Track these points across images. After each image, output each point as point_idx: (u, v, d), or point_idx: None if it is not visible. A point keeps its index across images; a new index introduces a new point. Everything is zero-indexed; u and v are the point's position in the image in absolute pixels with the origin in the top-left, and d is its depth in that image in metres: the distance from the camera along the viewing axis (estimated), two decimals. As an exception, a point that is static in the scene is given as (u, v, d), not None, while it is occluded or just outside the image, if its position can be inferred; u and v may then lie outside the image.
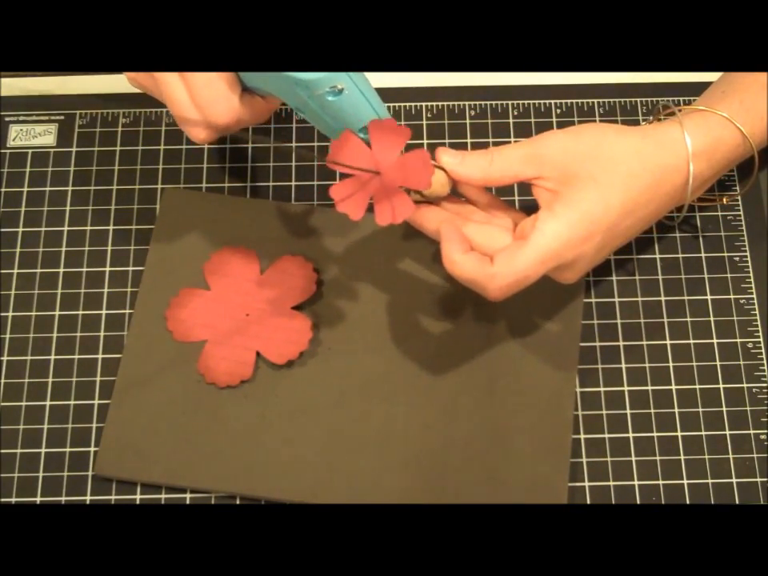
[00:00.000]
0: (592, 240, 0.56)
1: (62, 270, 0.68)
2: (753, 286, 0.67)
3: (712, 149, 0.59)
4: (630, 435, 0.64)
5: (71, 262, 0.68)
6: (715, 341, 0.66)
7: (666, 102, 0.64)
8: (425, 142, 0.72)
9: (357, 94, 0.54)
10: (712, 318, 0.67)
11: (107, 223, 0.69)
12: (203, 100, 0.56)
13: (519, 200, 0.70)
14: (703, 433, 0.64)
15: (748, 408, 0.64)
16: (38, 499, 0.62)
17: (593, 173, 0.55)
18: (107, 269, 0.68)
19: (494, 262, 0.55)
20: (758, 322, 0.66)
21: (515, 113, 0.73)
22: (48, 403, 0.64)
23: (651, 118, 0.66)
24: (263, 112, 0.60)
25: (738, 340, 0.66)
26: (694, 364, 0.65)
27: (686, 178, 0.58)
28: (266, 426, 0.63)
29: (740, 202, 0.70)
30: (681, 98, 0.72)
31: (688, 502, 0.62)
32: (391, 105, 0.73)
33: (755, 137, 0.60)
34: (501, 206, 0.59)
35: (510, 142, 0.64)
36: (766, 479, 0.62)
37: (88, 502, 0.62)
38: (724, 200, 0.68)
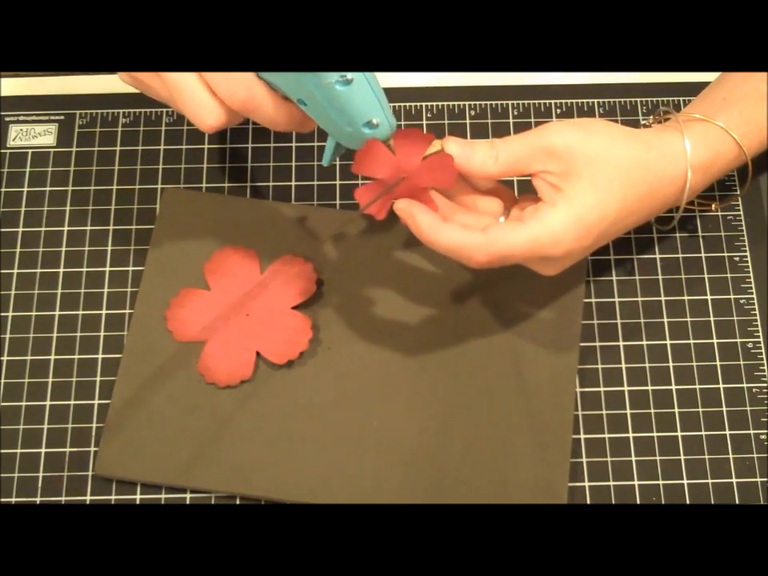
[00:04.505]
0: (582, 242, 0.56)
1: (61, 270, 0.68)
2: (753, 286, 0.67)
3: (710, 162, 0.59)
4: (630, 435, 0.64)
5: (71, 261, 0.68)
6: (715, 341, 0.66)
7: (667, 108, 0.63)
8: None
9: (365, 85, 0.54)
10: (712, 318, 0.67)
11: (107, 223, 0.69)
12: (217, 77, 0.54)
13: (518, 180, 0.70)
14: (703, 433, 0.64)
15: (748, 408, 0.64)
16: (38, 499, 0.62)
17: (595, 178, 0.56)
18: (107, 269, 0.68)
19: (487, 231, 0.55)
20: (758, 322, 0.66)
21: (515, 113, 0.73)
22: (48, 403, 0.64)
23: (651, 118, 0.66)
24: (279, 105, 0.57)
25: (738, 340, 0.66)
26: (694, 364, 0.65)
27: (681, 188, 0.59)
28: (266, 425, 0.63)
29: (740, 202, 0.70)
30: (681, 98, 0.72)
31: (688, 502, 0.62)
32: (391, 105, 0.72)
33: (752, 149, 0.61)
34: (497, 187, 0.60)
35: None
36: (766, 479, 0.62)
37: (88, 502, 0.62)
38: (713, 206, 0.67)
